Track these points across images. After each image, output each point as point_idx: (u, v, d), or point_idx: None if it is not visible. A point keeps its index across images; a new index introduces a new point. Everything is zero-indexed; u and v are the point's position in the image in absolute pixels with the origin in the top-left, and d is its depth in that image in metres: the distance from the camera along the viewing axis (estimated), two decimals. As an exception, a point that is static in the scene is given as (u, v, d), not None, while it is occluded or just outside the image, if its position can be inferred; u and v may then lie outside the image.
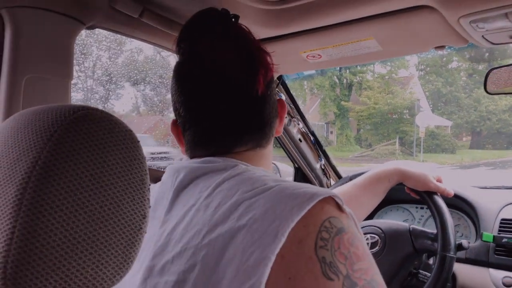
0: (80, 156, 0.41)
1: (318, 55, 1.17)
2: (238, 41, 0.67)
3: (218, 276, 0.49)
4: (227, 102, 0.64)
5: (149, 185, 0.48)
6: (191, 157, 0.68)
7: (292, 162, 1.74)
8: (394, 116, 20.12)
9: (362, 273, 0.48)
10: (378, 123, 19.95)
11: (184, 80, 0.67)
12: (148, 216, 0.47)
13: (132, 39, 1.01)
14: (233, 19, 0.69)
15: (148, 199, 0.47)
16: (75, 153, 0.41)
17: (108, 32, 0.98)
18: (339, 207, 0.52)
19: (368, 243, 1.12)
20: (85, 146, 0.42)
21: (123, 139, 0.45)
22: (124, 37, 1.00)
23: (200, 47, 0.66)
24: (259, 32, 1.08)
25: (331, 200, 0.51)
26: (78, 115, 0.43)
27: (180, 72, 0.68)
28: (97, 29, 0.95)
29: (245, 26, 0.69)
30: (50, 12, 0.83)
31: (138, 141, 0.47)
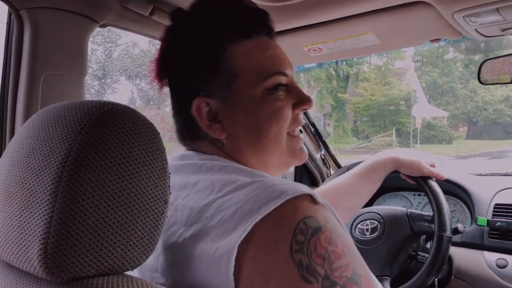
0: (108, 148, 0.45)
1: (319, 48, 1.20)
2: None
3: (192, 271, 0.52)
4: None
5: (169, 173, 0.51)
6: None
7: (293, 153, 1.78)
8: (390, 108, 19.94)
9: (342, 271, 0.47)
10: (375, 114, 19.76)
11: None
12: (169, 201, 0.50)
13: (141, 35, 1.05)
14: None
15: (169, 186, 0.50)
16: (104, 144, 0.44)
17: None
18: (314, 201, 0.51)
19: (368, 229, 1.15)
20: (112, 138, 0.45)
21: (145, 131, 0.48)
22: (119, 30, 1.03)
23: None
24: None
25: (305, 197, 0.50)
26: (104, 110, 0.46)
27: None
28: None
29: None
30: (66, 12, 0.86)
31: (159, 133, 0.50)
